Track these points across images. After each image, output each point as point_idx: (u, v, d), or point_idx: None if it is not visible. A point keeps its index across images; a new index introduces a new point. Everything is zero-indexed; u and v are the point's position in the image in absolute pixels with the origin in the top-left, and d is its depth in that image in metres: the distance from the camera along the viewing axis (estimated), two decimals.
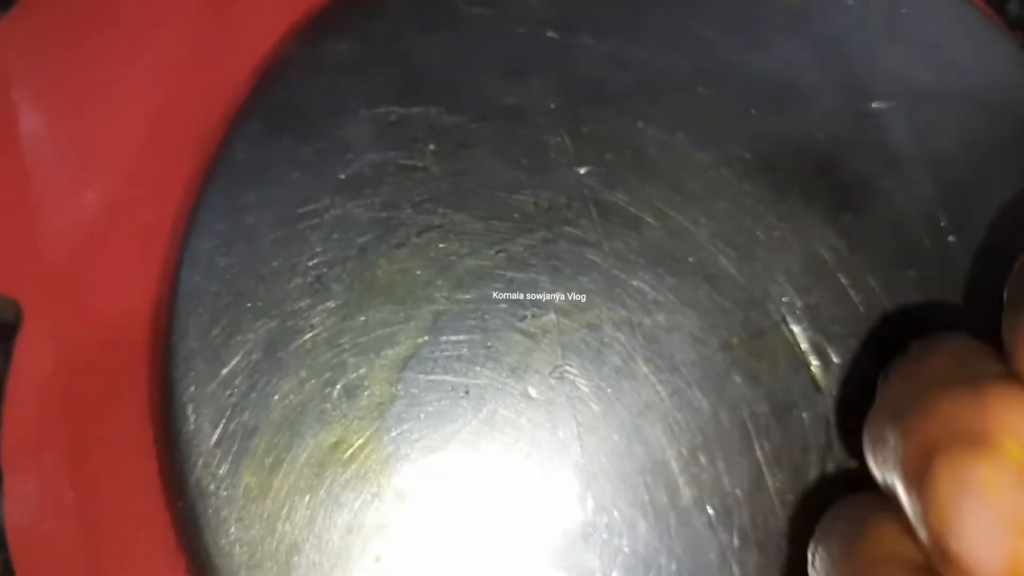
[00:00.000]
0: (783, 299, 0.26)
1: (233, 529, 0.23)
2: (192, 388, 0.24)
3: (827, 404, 0.25)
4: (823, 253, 0.26)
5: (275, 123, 0.26)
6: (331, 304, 0.24)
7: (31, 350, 0.26)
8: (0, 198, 0.27)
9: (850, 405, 0.25)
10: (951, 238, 0.26)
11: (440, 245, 0.25)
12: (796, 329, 0.26)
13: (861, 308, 0.26)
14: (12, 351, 0.27)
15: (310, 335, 0.24)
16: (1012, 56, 0.28)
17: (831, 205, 0.26)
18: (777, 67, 0.27)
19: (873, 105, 0.27)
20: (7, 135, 0.27)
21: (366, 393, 0.23)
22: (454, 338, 0.24)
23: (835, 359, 0.25)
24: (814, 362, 0.25)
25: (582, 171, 0.25)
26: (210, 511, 0.23)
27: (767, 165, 0.26)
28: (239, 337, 0.24)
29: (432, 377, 0.24)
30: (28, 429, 0.25)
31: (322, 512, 0.23)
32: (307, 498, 0.23)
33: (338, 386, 0.24)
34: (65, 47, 0.27)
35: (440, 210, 0.25)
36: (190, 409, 0.23)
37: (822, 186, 0.27)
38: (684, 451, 0.24)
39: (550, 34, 0.26)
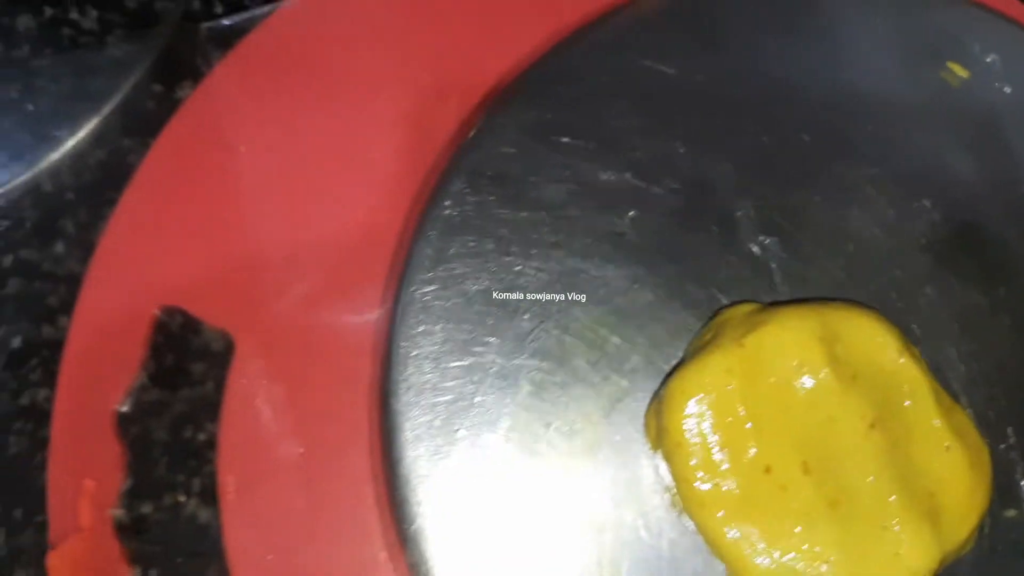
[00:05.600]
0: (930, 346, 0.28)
1: (450, 547, 0.25)
2: (413, 419, 0.26)
3: None
4: (970, 309, 0.28)
5: (476, 182, 0.28)
6: (538, 353, 0.27)
7: (247, 380, 0.29)
8: (223, 241, 0.30)
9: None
10: None
11: (639, 306, 0.27)
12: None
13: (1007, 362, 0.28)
14: (224, 377, 0.30)
15: (526, 381, 0.27)
16: None
17: (978, 268, 0.29)
18: (935, 146, 0.30)
19: None
20: (230, 184, 0.30)
21: (577, 436, 0.26)
22: (652, 389, 0.27)
23: None
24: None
25: (766, 241, 0.28)
26: (432, 530, 0.25)
27: (926, 241, 0.29)
28: (453, 375, 0.27)
29: (634, 423, 0.26)
30: (251, 449, 0.28)
31: (531, 539, 0.26)
32: (519, 523, 0.26)
33: (552, 427, 0.26)
34: (283, 99, 0.30)
35: (639, 274, 0.28)
36: (412, 437, 0.26)
37: (969, 250, 0.29)
38: None
39: (732, 106, 0.29)
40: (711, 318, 0.27)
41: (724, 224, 0.28)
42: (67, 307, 0.31)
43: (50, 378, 0.31)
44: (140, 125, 0.33)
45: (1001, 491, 0.27)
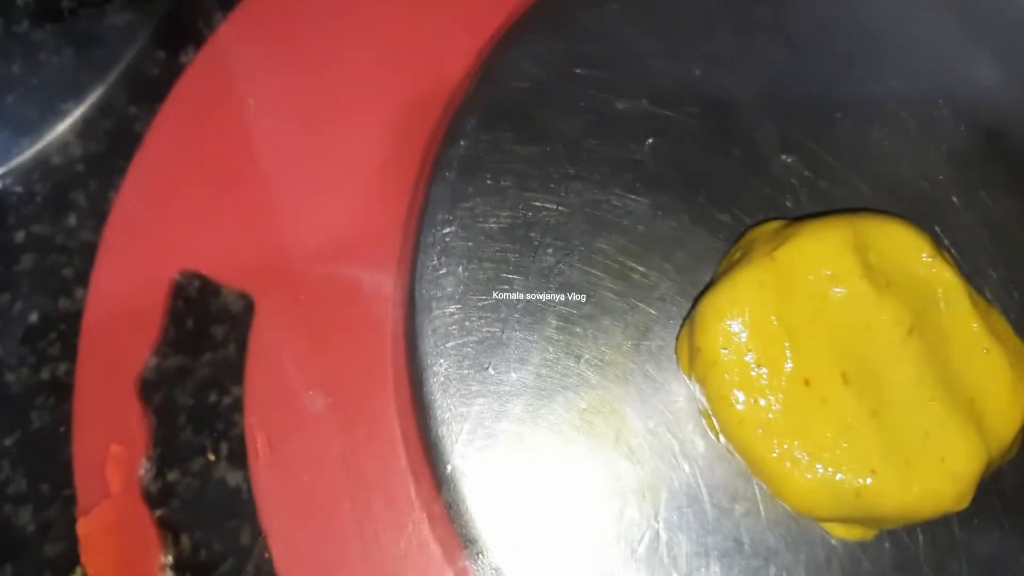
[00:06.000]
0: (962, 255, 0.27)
1: (489, 486, 0.25)
2: (443, 362, 0.26)
3: None
4: (1000, 214, 0.27)
5: (491, 118, 0.28)
6: (564, 287, 0.26)
7: (269, 339, 0.29)
8: (237, 200, 0.29)
9: None
10: None
11: (664, 234, 0.27)
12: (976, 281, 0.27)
13: None
14: (246, 338, 0.30)
15: (553, 315, 0.26)
16: None
17: (1006, 172, 0.28)
18: (954, 56, 0.29)
19: None
20: (239, 144, 0.29)
21: (608, 368, 0.26)
22: (682, 316, 0.26)
23: None
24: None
25: (789, 159, 0.27)
26: (471, 470, 0.25)
27: (950, 151, 0.28)
28: (479, 314, 0.26)
29: (664, 353, 0.26)
30: (279, 408, 0.28)
31: (568, 471, 0.25)
32: (555, 457, 0.25)
33: (582, 360, 0.26)
34: (289, 50, 0.30)
35: (662, 201, 0.27)
36: (442, 380, 0.26)
37: (995, 155, 0.28)
38: None
39: (748, 26, 0.28)
40: (739, 239, 0.26)
41: (745, 145, 0.28)
42: (83, 279, 0.31)
43: (70, 351, 0.30)
44: (145, 92, 0.33)
45: None
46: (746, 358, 0.23)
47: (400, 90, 0.29)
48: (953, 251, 0.27)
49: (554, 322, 0.26)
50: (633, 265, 0.27)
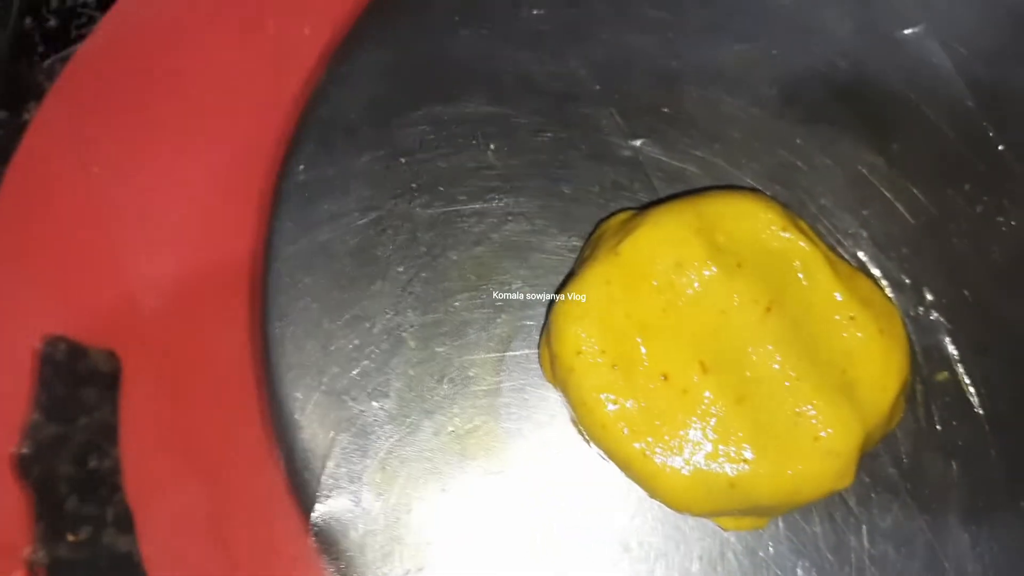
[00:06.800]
0: (831, 220, 0.26)
1: (361, 525, 0.24)
2: (301, 399, 0.25)
3: None
4: (864, 172, 0.26)
5: (328, 140, 0.27)
6: (419, 306, 0.25)
7: (137, 395, 0.28)
8: (87, 260, 0.28)
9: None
10: (1001, 147, 0.26)
11: (517, 238, 0.26)
12: (848, 244, 0.26)
13: (911, 219, 0.26)
14: (118, 398, 0.29)
15: (411, 337, 0.25)
16: None
17: (865, 128, 0.27)
18: (803, 13, 0.28)
19: (904, 31, 0.27)
20: (87, 199, 0.28)
21: (474, 384, 0.25)
22: (542, 321, 0.25)
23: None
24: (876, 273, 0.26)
25: (637, 143, 0.26)
26: (340, 510, 0.24)
27: (807, 112, 0.27)
28: (335, 346, 0.25)
29: (531, 362, 0.25)
30: (152, 465, 0.27)
31: (444, 497, 0.24)
32: (428, 484, 0.24)
33: (445, 379, 0.25)
34: (123, 105, 0.29)
35: (511, 204, 0.26)
36: (303, 419, 0.25)
37: (853, 111, 0.27)
38: None
39: (583, 10, 0.27)
40: (591, 234, 0.25)
41: (591, 135, 0.26)
42: None
43: None
44: None
45: (928, 355, 0.25)
46: (599, 360, 0.22)
47: (236, 125, 0.28)
48: (821, 216, 0.26)
49: (412, 343, 0.25)
50: (488, 274, 0.26)
